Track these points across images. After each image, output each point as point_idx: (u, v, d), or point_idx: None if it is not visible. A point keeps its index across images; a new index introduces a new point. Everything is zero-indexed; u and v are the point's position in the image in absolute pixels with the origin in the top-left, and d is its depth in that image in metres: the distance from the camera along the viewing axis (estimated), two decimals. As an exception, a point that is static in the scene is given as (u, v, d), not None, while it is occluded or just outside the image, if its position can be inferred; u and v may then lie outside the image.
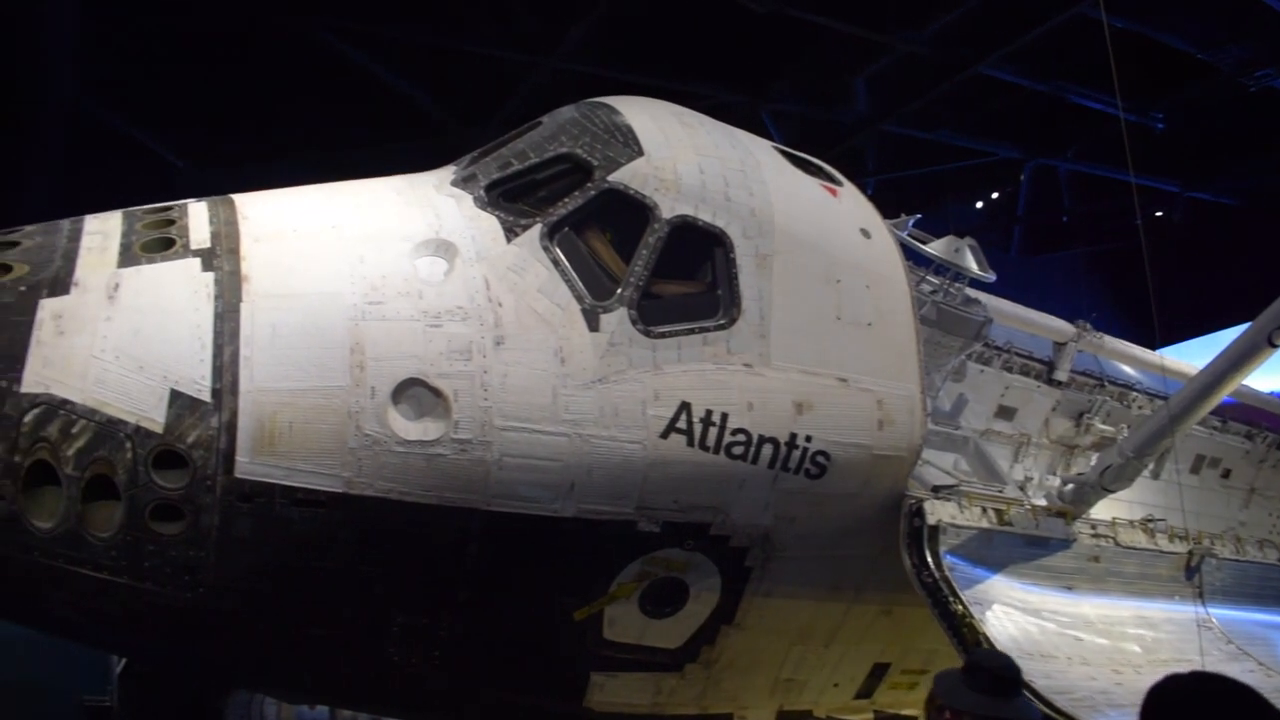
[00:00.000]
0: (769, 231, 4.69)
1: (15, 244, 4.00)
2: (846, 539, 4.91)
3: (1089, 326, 7.32)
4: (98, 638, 4.52)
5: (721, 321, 4.47)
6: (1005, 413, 7.08)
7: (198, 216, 4.26)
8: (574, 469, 4.13)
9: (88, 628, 4.09)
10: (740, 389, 4.43)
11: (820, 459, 4.60)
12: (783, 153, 5.36)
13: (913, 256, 5.89)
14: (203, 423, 3.70)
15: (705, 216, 4.56)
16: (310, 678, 4.64)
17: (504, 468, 4.02)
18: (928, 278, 6.26)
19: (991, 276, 6.42)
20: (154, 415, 3.69)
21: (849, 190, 5.43)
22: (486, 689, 4.74)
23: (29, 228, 4.17)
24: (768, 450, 4.45)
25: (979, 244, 6.48)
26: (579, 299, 4.29)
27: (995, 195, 20.41)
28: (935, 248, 6.29)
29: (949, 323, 6.12)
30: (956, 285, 6.31)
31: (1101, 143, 16.99)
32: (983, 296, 6.64)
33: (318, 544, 3.92)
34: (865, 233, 5.13)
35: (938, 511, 4.95)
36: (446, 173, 4.92)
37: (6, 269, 3.85)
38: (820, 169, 5.46)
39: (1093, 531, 5.89)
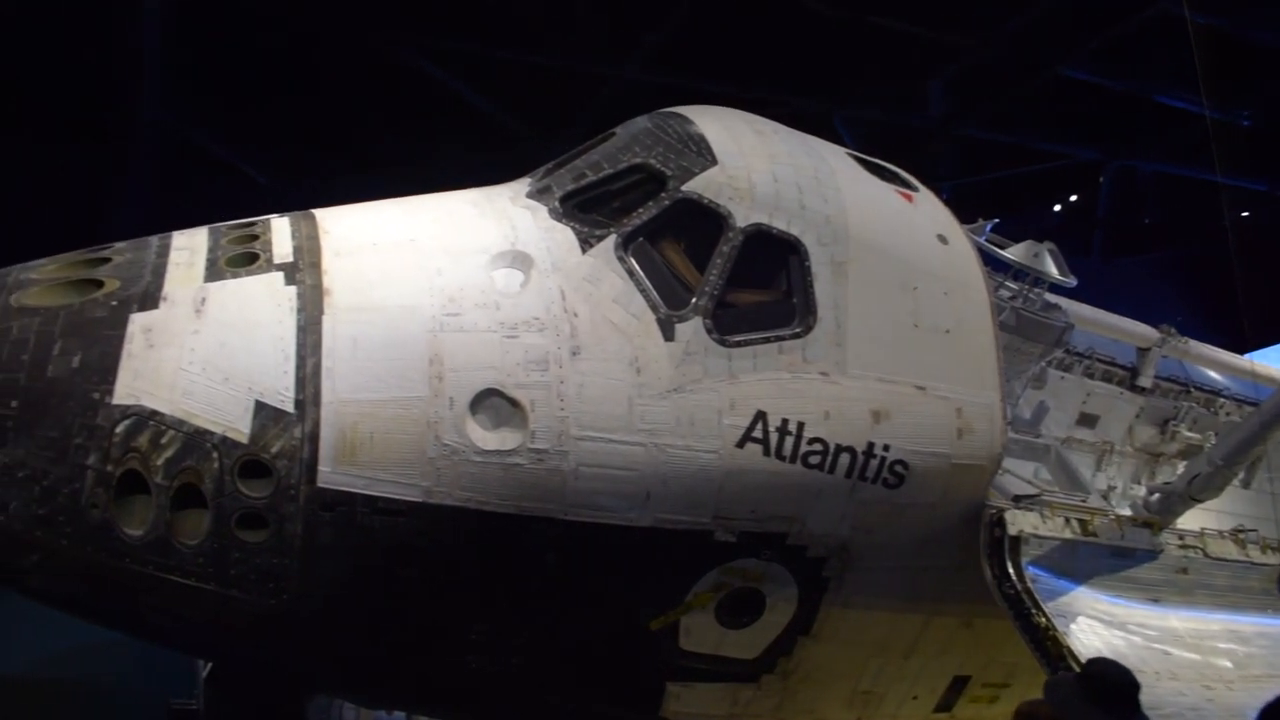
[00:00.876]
0: (844, 239, 4.65)
1: (107, 260, 4.13)
2: (925, 550, 4.82)
3: (1173, 331, 7.11)
4: (185, 642, 4.63)
5: (797, 330, 4.44)
6: (1087, 420, 6.90)
7: (280, 231, 4.36)
8: (650, 479, 4.13)
9: (176, 632, 4.19)
10: (816, 398, 4.39)
11: (898, 468, 4.53)
12: (857, 159, 5.32)
13: (991, 262, 5.78)
14: (286, 433, 3.78)
15: (780, 224, 4.53)
16: (390, 683, 4.70)
17: (580, 477, 4.04)
18: (1006, 283, 6.14)
19: (1072, 281, 6.28)
20: (239, 426, 3.78)
21: (925, 195, 5.36)
22: (563, 697, 4.75)
23: (120, 244, 4.31)
24: (845, 460, 4.40)
25: (1058, 248, 6.36)
26: (654, 309, 4.30)
27: (1074, 198, 19.96)
28: (1014, 252, 6.17)
29: (1029, 329, 5.99)
30: (1036, 290, 6.17)
31: (1185, 142, 16.50)
32: (1063, 301, 6.49)
33: (398, 552, 3.98)
34: (942, 238, 5.06)
35: (1019, 522, 4.84)
36: (522, 185, 4.97)
37: (99, 284, 3.98)
38: (895, 175, 5.40)
39: (1180, 542, 5.71)
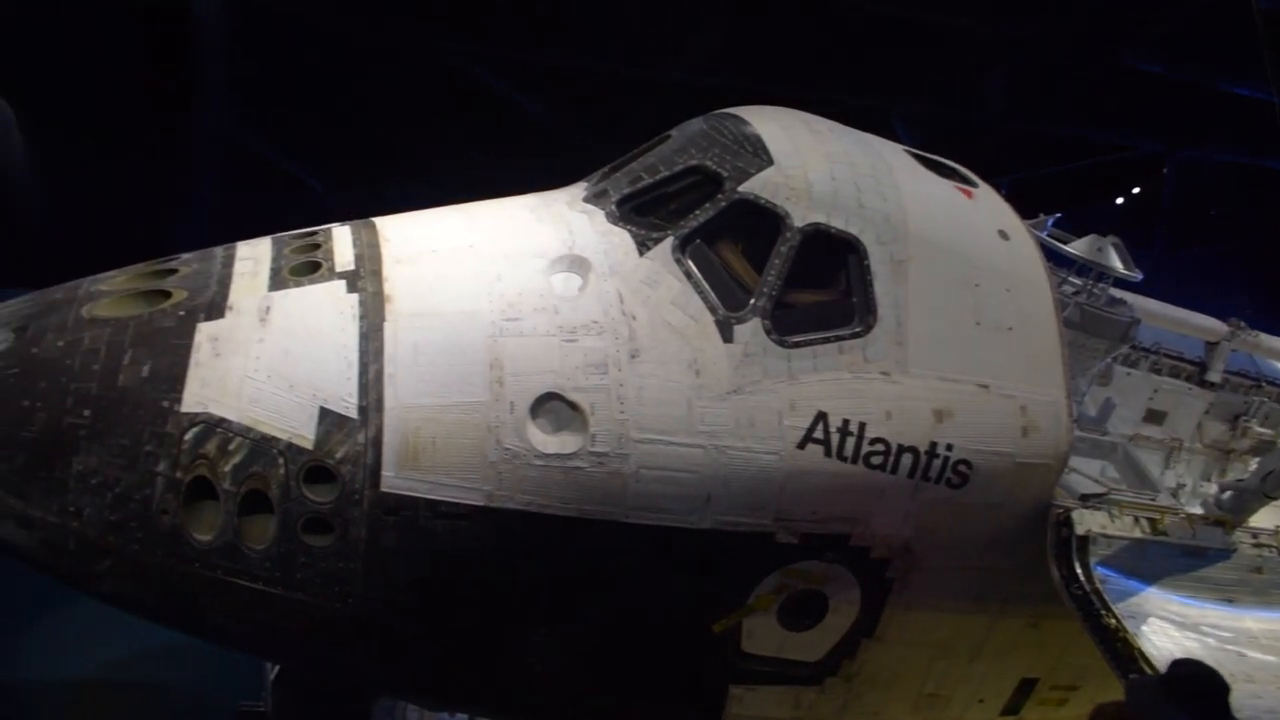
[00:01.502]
0: (903, 236, 4.60)
1: (174, 271, 4.21)
2: (991, 550, 4.74)
3: (1243, 324, 6.94)
4: (253, 645, 4.69)
5: (857, 329, 4.39)
6: (1155, 417, 6.76)
7: (342, 240, 4.41)
8: (710, 480, 4.11)
9: (244, 636, 4.25)
10: (878, 397, 4.35)
11: (962, 468, 4.47)
12: (915, 156, 5.25)
13: (1054, 257, 5.66)
14: (350, 439, 3.83)
15: (838, 223, 4.49)
16: (453, 686, 4.74)
17: (641, 480, 4.03)
18: (1070, 279, 6.03)
19: (1138, 275, 6.15)
20: (304, 432, 3.83)
21: (985, 191, 5.28)
22: (626, 700, 4.76)
23: (185, 255, 4.39)
24: (907, 460, 4.35)
25: (1122, 241, 6.24)
26: (712, 310, 4.28)
27: (1137, 190, 19.55)
28: (1077, 247, 6.05)
29: (1094, 325, 5.87)
30: (1101, 285, 6.05)
31: (1250, 132, 16.08)
32: (1128, 296, 6.35)
33: (461, 556, 4.00)
34: (1003, 234, 4.98)
35: (1087, 521, 4.74)
36: (578, 189, 4.98)
37: (166, 295, 4.06)
38: (954, 171, 5.32)
39: (1254, 541, 5.55)
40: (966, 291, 4.69)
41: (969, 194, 5.17)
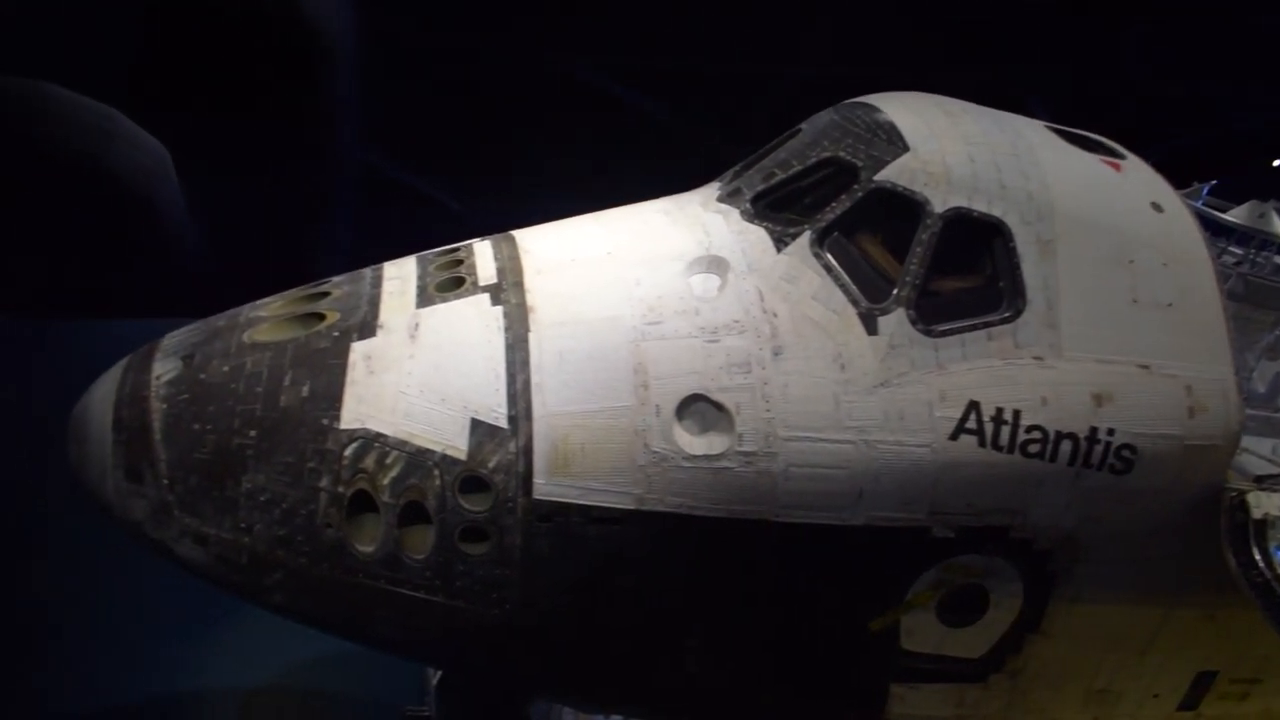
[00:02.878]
0: (1049, 215, 4.42)
1: (326, 294, 4.38)
2: (1160, 538, 4.51)
3: None
4: (416, 652, 4.83)
5: (1006, 314, 4.25)
6: None
7: (483, 254, 4.51)
8: (861, 476, 4.03)
9: (407, 643, 4.38)
10: (1031, 384, 4.19)
11: (1125, 453, 4.27)
12: (1057, 131, 5.05)
13: (1212, 227, 5.40)
14: (502, 448, 3.90)
15: (980, 206, 4.35)
16: (609, 689, 4.78)
17: (790, 478, 3.99)
18: (1230, 249, 5.72)
19: None
20: (458, 443, 3.93)
21: (1134, 162, 5.04)
22: (784, 700, 4.71)
23: (336, 278, 4.56)
24: (1066, 447, 4.18)
25: (1286, 206, 5.90)
26: (854, 303, 4.21)
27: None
28: (1236, 215, 5.76)
29: (1259, 295, 5.57)
30: (1264, 254, 5.73)
31: None
32: (1296, 263, 6.02)
33: (613, 560, 4.04)
34: (1156, 206, 4.74)
35: (1264, 504, 4.44)
36: (711, 189, 4.97)
37: (320, 317, 4.22)
38: (1100, 144, 5.09)
39: None
40: (1120, 269, 4.48)
41: (1117, 167, 4.94)
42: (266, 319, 4.22)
